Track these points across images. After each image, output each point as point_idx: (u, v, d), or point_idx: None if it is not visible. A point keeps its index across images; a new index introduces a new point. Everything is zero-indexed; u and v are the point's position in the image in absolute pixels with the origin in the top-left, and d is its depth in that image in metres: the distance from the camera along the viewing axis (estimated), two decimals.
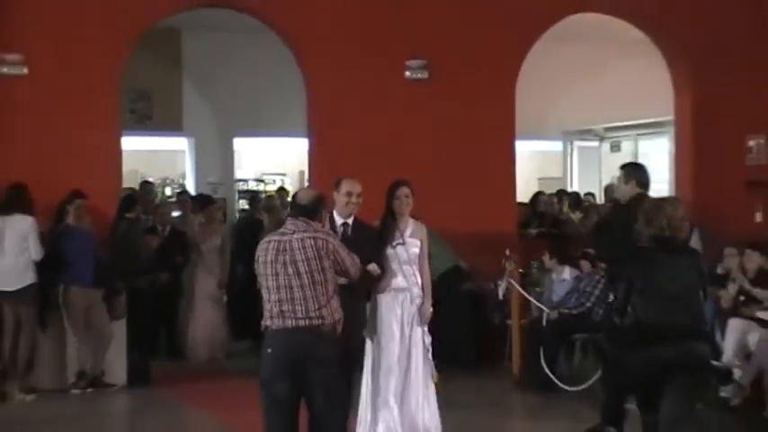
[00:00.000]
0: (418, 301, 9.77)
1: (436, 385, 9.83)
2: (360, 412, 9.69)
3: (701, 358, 7.91)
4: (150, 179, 19.38)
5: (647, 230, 8.09)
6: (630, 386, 8.55)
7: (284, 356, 7.51)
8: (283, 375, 7.49)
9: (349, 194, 9.52)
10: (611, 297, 10.14)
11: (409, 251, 9.78)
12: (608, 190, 18.68)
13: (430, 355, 9.82)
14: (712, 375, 9.56)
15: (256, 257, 7.71)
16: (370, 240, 9.53)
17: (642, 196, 10.38)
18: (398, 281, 9.73)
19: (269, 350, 7.60)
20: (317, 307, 7.49)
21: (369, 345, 9.73)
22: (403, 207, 9.85)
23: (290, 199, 17.13)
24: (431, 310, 9.95)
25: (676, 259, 8.08)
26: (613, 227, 10.62)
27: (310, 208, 7.83)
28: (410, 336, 9.73)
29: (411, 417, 9.69)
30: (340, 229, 9.43)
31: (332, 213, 9.45)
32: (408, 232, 9.83)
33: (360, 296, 9.44)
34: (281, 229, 7.81)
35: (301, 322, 7.47)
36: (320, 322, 7.50)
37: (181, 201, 17.54)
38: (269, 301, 7.59)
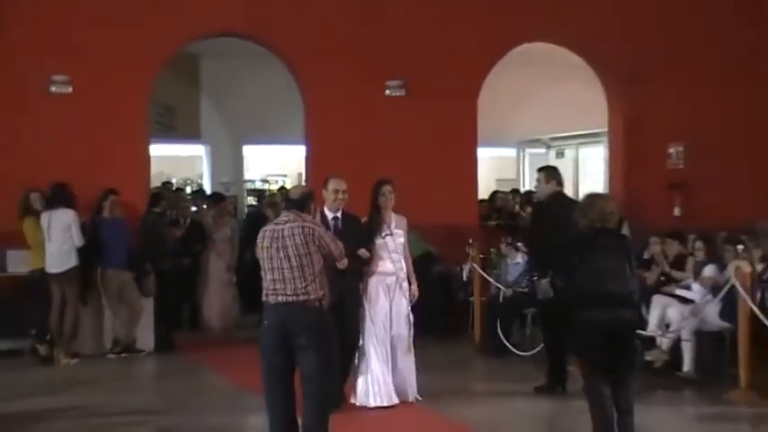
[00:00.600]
0: (405, 284, 9.83)
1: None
2: (356, 382, 9.80)
3: (629, 322, 7.98)
4: (174, 180, 19.32)
5: (583, 221, 8.13)
6: (586, 347, 8.53)
7: (277, 326, 7.42)
8: (277, 343, 7.41)
9: (336, 191, 9.55)
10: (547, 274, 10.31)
11: (396, 241, 9.80)
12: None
13: (412, 330, 9.94)
14: (637, 338, 9.49)
15: (257, 244, 7.64)
16: (358, 230, 9.59)
17: (560, 193, 10.65)
18: (387, 266, 9.77)
19: (265, 322, 7.56)
20: (303, 285, 7.39)
21: (363, 316, 9.81)
22: (387, 202, 9.84)
23: None
24: (417, 291, 10.04)
25: (608, 242, 8.11)
26: (546, 219, 10.68)
27: (300, 201, 7.73)
28: (397, 312, 9.80)
29: (396, 379, 9.82)
30: (332, 222, 9.45)
31: (323, 209, 9.48)
32: (393, 224, 9.84)
33: (353, 278, 9.54)
34: (276, 220, 7.79)
35: (290, 298, 7.39)
36: (306, 297, 7.39)
37: (196, 197, 17.57)
38: (266, 280, 7.53)
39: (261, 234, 7.64)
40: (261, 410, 9.70)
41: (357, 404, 9.76)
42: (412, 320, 9.96)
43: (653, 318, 11.77)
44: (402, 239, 9.90)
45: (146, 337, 13.54)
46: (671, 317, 11.61)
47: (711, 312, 11.26)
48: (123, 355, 13.21)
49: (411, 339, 9.96)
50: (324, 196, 9.59)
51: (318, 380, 7.37)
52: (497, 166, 21.15)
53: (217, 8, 14.59)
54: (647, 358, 11.71)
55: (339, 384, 9.25)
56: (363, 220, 9.94)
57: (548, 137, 20.66)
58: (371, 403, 9.71)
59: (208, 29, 14.78)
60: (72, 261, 12.81)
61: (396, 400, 9.78)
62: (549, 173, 10.85)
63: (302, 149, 15.82)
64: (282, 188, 19.13)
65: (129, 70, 14.16)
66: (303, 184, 16.21)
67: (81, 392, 11.04)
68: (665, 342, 11.61)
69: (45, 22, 13.92)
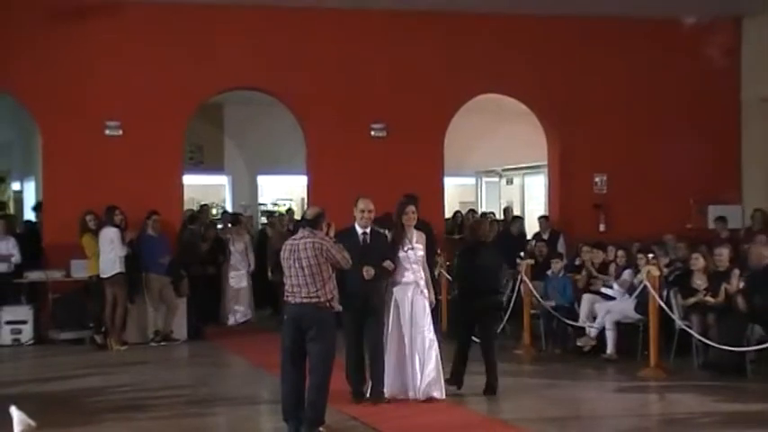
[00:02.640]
0: (424, 290, 9.04)
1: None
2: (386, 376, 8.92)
3: (496, 304, 9.85)
4: (204, 203, 19.35)
5: (471, 237, 9.84)
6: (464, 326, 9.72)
7: (294, 321, 7.62)
8: (294, 333, 7.61)
9: (363, 210, 8.88)
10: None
11: (416, 254, 9.05)
12: (506, 210, 18.82)
13: (433, 329, 9.06)
14: (501, 313, 11.21)
15: (281, 253, 7.82)
16: (385, 244, 8.96)
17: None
18: (408, 276, 9.00)
19: (285, 317, 7.74)
20: (315, 290, 7.55)
21: (388, 324, 8.96)
22: (410, 220, 9.10)
23: (297, 216, 17.27)
24: (433, 297, 9.34)
25: (485, 251, 9.58)
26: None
27: (314, 220, 7.83)
28: (418, 314, 8.95)
29: (422, 376, 8.89)
30: (361, 237, 8.85)
31: (354, 226, 8.92)
32: (414, 239, 9.07)
33: (378, 286, 8.83)
34: (294, 236, 7.89)
35: (305, 300, 7.57)
36: (317, 300, 7.56)
37: (222, 217, 17.63)
38: (287, 284, 7.66)
39: (283, 247, 7.80)
40: (273, 385, 9.83)
41: (387, 395, 8.83)
42: (431, 323, 9.07)
43: (583, 311, 11.82)
44: (421, 253, 9.13)
45: (180, 328, 13.54)
46: (597, 311, 11.65)
47: (628, 307, 11.29)
48: (162, 343, 13.21)
49: (434, 337, 9.01)
50: (354, 214, 8.96)
51: (322, 363, 7.56)
52: (460, 192, 21.16)
53: (238, 68, 14.67)
54: (578, 344, 11.76)
55: (361, 377, 8.85)
56: (387, 233, 9.19)
57: (500, 168, 20.67)
58: (402, 395, 8.86)
59: (231, 83, 14.88)
60: (117, 268, 12.83)
61: (421, 395, 8.84)
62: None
63: (305, 178, 15.88)
64: (289, 210, 19.15)
65: (168, 116, 14.25)
66: (307, 207, 16.30)
67: (130, 372, 11.09)
68: (592, 331, 11.64)
69: (101, 76, 14.03)
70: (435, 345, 8.96)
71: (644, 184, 16.14)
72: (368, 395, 8.86)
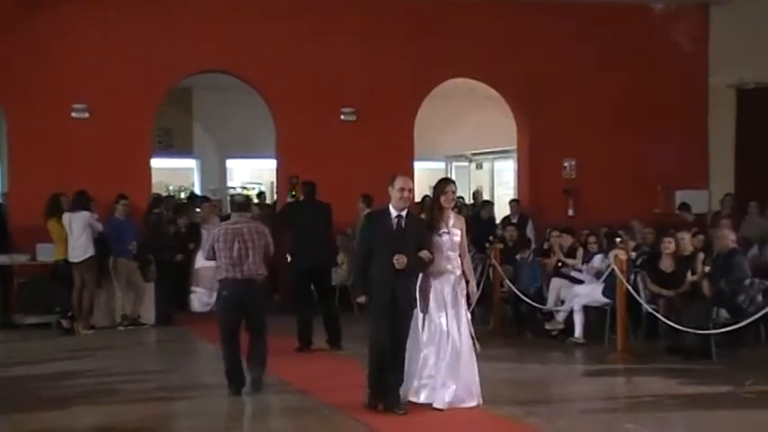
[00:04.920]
0: (462, 283, 7.94)
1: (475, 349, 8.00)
2: (415, 383, 7.92)
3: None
4: (170, 187, 19.25)
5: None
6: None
7: (236, 296, 8.45)
8: (235, 307, 8.48)
9: (402, 190, 7.74)
10: None
11: (453, 239, 7.89)
12: (475, 194, 18.86)
13: (472, 329, 7.96)
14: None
15: (216, 238, 8.54)
16: (423, 230, 7.78)
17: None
18: (444, 265, 7.85)
19: (224, 293, 8.51)
20: (255, 268, 8.47)
21: (419, 319, 7.87)
22: (449, 201, 7.97)
23: (267, 200, 17.17)
24: (476, 290, 8.42)
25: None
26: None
27: (245, 205, 8.98)
28: (454, 314, 7.84)
29: (459, 383, 7.80)
30: (395, 221, 7.70)
31: (388, 207, 7.81)
32: (451, 223, 7.95)
33: (409, 280, 7.69)
34: (231, 220, 8.81)
35: (247, 275, 8.44)
36: (258, 276, 8.51)
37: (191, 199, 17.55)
38: (226, 263, 8.42)
39: (221, 230, 8.60)
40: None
41: (418, 402, 7.85)
42: (470, 320, 8.00)
43: (551, 296, 11.90)
44: (458, 238, 7.94)
45: (149, 313, 13.49)
46: (565, 295, 11.71)
47: (596, 291, 11.34)
48: (130, 327, 13.16)
49: (473, 340, 7.94)
50: (390, 194, 7.84)
51: (262, 329, 8.61)
52: (429, 177, 21.21)
53: (206, 51, 14.59)
54: (547, 327, 11.84)
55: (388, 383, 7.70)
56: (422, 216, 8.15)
57: (469, 153, 20.75)
58: (434, 404, 7.77)
59: (199, 66, 14.78)
60: (89, 252, 12.74)
61: (458, 403, 7.77)
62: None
63: (274, 162, 15.85)
64: (261, 194, 19.11)
65: (137, 100, 14.14)
66: (276, 191, 16.29)
67: (97, 357, 11.01)
68: (560, 315, 11.72)
69: (67, 59, 13.87)
70: (470, 344, 7.93)
71: (612, 169, 16.25)
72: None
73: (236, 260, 8.40)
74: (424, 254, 7.65)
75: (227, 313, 8.51)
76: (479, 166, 20.62)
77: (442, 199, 7.97)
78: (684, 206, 15.70)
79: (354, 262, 7.82)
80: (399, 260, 7.50)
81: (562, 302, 11.74)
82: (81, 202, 12.81)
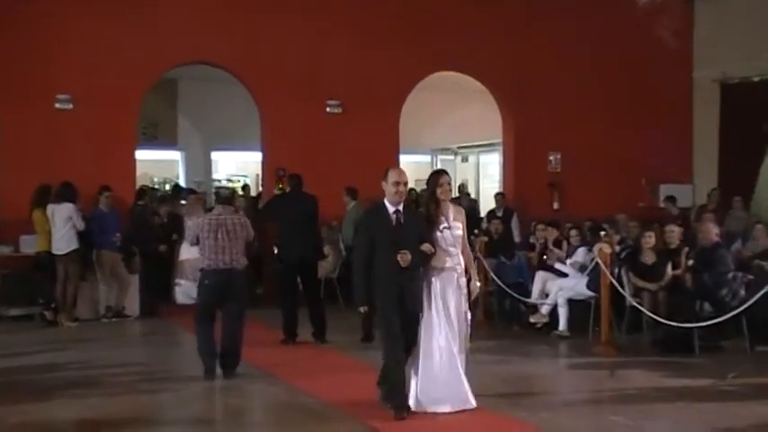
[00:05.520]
0: (462, 279, 7.50)
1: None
2: (417, 385, 7.43)
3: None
4: (155, 179, 19.19)
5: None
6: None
7: (216, 284, 8.84)
8: (215, 295, 8.86)
9: (397, 184, 7.32)
10: None
11: (454, 234, 7.47)
12: (460, 188, 18.87)
13: (469, 329, 7.57)
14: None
15: (201, 227, 8.92)
16: (421, 224, 7.40)
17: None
18: (445, 261, 7.44)
19: (206, 281, 8.88)
20: (236, 258, 8.88)
21: (429, 323, 7.40)
22: (446, 194, 7.53)
23: (252, 193, 17.13)
24: (478, 285, 7.99)
25: None
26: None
27: (229, 199, 9.38)
28: (455, 310, 7.41)
29: (452, 381, 7.42)
30: (393, 216, 7.33)
31: (384, 202, 7.43)
32: (452, 216, 7.52)
33: (414, 275, 7.30)
34: (215, 212, 9.10)
35: (228, 265, 8.83)
36: (236, 265, 8.88)
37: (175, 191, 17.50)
38: (210, 252, 8.81)
39: (206, 221, 8.95)
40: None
41: (420, 410, 7.34)
42: (470, 318, 7.60)
43: (535, 289, 11.92)
44: (460, 232, 7.54)
45: (133, 305, 13.46)
46: (550, 288, 11.75)
47: (580, 285, 11.39)
48: (114, 319, 13.12)
49: (468, 339, 7.55)
50: (384, 188, 7.45)
51: (240, 317, 9.00)
52: (415, 169, 21.20)
53: (192, 42, 14.53)
54: (531, 320, 11.88)
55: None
56: (420, 210, 7.73)
57: (455, 146, 20.76)
58: (437, 409, 7.34)
59: (185, 57, 14.72)
60: (73, 244, 12.70)
61: (457, 405, 7.38)
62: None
63: (259, 155, 15.82)
64: (245, 186, 19.08)
65: (121, 91, 14.05)
66: (261, 184, 16.24)
67: (81, 349, 10.96)
68: (544, 308, 11.74)
69: (51, 49, 13.78)
70: (464, 354, 7.54)
71: (597, 163, 16.33)
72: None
73: (219, 250, 8.79)
74: (426, 247, 7.30)
75: (208, 299, 8.93)
76: (465, 160, 20.63)
77: (438, 192, 7.53)
78: (670, 199, 15.79)
79: (356, 264, 7.33)
80: (404, 258, 7.12)
81: (547, 296, 11.76)
82: (65, 193, 12.74)
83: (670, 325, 10.06)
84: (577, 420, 7.29)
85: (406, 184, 7.38)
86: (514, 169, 16.51)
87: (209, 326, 8.97)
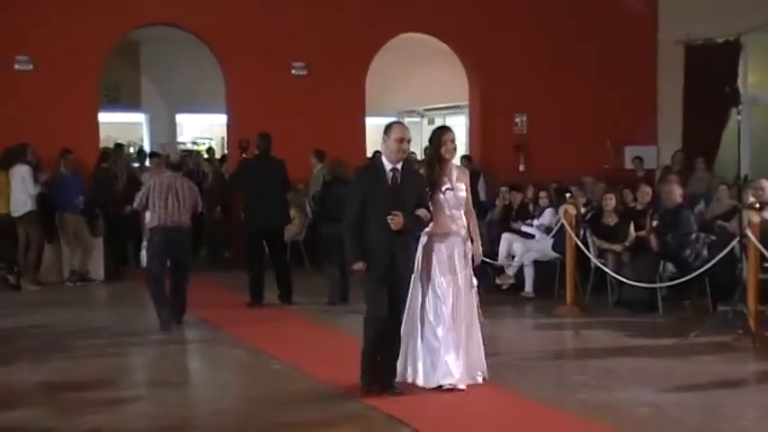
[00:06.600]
0: (468, 244, 6.98)
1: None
2: (417, 360, 6.93)
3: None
4: (121, 141, 18.98)
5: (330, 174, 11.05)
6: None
7: (166, 241, 9.50)
8: (167, 249, 9.57)
9: (400, 140, 6.64)
10: None
11: (457, 195, 6.93)
12: (426, 150, 18.81)
13: (477, 299, 7.10)
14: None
15: (152, 187, 9.58)
16: (421, 185, 6.79)
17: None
18: (448, 225, 6.89)
19: (156, 239, 9.50)
20: (186, 217, 9.62)
21: (418, 287, 6.90)
22: (450, 152, 6.96)
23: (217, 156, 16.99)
24: (481, 251, 7.32)
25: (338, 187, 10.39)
26: None
27: (179, 164, 10.44)
28: (459, 280, 6.90)
29: (464, 356, 6.93)
30: (390, 175, 6.67)
31: (380, 159, 6.82)
32: (455, 177, 6.98)
33: (407, 241, 6.72)
34: (167, 175, 9.80)
35: (176, 224, 9.53)
36: (187, 225, 9.65)
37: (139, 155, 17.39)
38: (161, 212, 9.45)
39: (157, 182, 9.63)
40: (193, 325, 9.83)
41: (420, 384, 6.89)
42: (476, 286, 7.08)
43: (502, 251, 11.92)
44: (463, 194, 6.98)
45: (97, 269, 13.38)
46: (515, 250, 11.80)
47: (546, 246, 11.47)
48: (79, 283, 13.04)
49: (478, 309, 7.09)
50: (385, 145, 6.76)
51: (186, 270, 9.79)
52: (381, 132, 21.13)
53: (155, 3, 14.35)
54: (498, 282, 11.93)
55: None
56: (420, 170, 7.14)
57: (422, 108, 20.73)
58: (437, 383, 6.83)
59: (148, 19, 14.52)
60: (28, 206, 12.55)
61: (466, 380, 6.89)
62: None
63: (224, 117, 15.69)
64: (210, 149, 18.96)
65: (84, 52, 13.85)
66: (226, 146, 16.16)
67: (45, 313, 10.88)
68: (511, 269, 11.80)
69: (10, 9, 13.53)
70: (479, 326, 7.08)
71: (563, 125, 16.37)
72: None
73: (169, 210, 9.48)
74: (422, 212, 6.66)
75: (158, 256, 9.55)
76: (431, 122, 20.58)
77: (443, 150, 6.94)
78: (638, 160, 15.92)
79: (345, 225, 6.69)
80: (395, 220, 6.50)
81: (513, 257, 11.82)
82: (19, 155, 12.62)
83: (634, 285, 10.16)
84: (541, 379, 7.36)
85: (409, 141, 6.74)
86: (481, 131, 16.52)
87: (161, 281, 9.63)
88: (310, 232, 13.97)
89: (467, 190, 7.05)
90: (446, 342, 6.80)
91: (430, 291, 6.87)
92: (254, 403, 6.80)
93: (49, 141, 13.04)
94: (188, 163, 17.09)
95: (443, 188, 6.90)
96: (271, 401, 6.78)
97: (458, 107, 18.76)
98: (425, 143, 19.57)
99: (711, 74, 15.87)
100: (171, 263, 9.74)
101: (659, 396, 6.75)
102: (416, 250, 6.89)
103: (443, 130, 7.16)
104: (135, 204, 9.83)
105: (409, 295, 6.83)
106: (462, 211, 7.00)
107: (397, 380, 6.87)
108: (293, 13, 15.07)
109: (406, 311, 6.84)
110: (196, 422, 6.41)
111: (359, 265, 6.62)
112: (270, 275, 11.08)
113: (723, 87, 13.50)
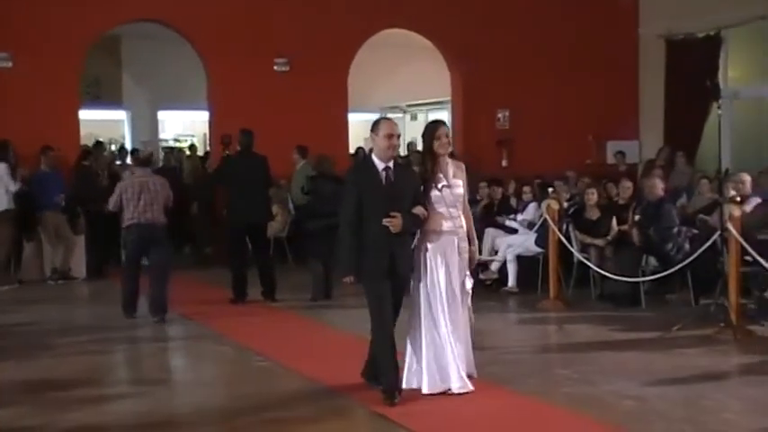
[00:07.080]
0: (464, 244, 6.63)
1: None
2: (407, 359, 6.70)
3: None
4: (101, 139, 18.88)
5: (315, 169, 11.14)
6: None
7: (140, 238, 9.79)
8: (141, 247, 9.88)
9: (390, 136, 6.38)
10: None
11: (454, 192, 6.59)
12: (409, 146, 18.82)
13: (470, 300, 6.76)
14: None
15: (124, 189, 9.86)
16: (415, 182, 6.56)
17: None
18: (445, 224, 6.56)
19: (130, 237, 9.83)
20: (160, 215, 9.86)
21: (415, 287, 6.62)
22: (443, 147, 6.60)
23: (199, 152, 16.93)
24: (477, 253, 7.01)
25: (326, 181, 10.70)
26: None
27: (147, 161, 10.64)
28: (455, 280, 6.59)
29: (464, 357, 6.74)
30: (383, 174, 6.41)
31: (371, 158, 6.52)
32: (451, 173, 6.63)
33: (405, 241, 6.50)
34: (138, 173, 10.10)
35: (151, 221, 9.79)
36: (157, 221, 9.84)
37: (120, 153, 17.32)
38: (135, 211, 9.73)
39: (131, 182, 9.90)
40: (177, 322, 9.80)
41: (426, 392, 6.57)
42: (471, 287, 6.72)
43: (485, 246, 11.92)
44: (461, 190, 6.65)
45: (79, 266, 13.33)
46: (499, 245, 11.82)
47: (529, 241, 11.48)
48: (61, 281, 12.99)
49: (470, 310, 6.79)
50: (374, 143, 6.52)
51: (165, 267, 9.91)
52: (364, 128, 21.08)
53: None
54: (481, 277, 11.91)
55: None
56: (414, 167, 6.96)
57: (404, 104, 20.76)
58: (446, 387, 6.59)
59: (129, 15, 14.46)
60: (4, 204, 12.44)
61: (469, 385, 6.61)
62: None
63: (206, 114, 15.65)
64: (192, 146, 18.90)
65: (64, 48, 13.78)
66: (208, 142, 16.10)
67: (28, 311, 10.84)
68: (494, 264, 11.82)
69: None
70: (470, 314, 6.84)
71: (545, 120, 16.43)
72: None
73: (142, 209, 9.74)
74: (419, 210, 6.45)
75: (134, 252, 9.92)
76: (414, 118, 20.63)
77: (436, 145, 6.60)
78: (620, 155, 16.00)
79: (341, 229, 6.42)
80: (394, 223, 6.28)
81: (496, 252, 11.83)
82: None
83: (617, 279, 10.21)
84: (525, 374, 7.38)
85: (399, 136, 6.49)
86: (463, 127, 16.53)
87: (135, 274, 9.98)
88: (293, 228, 13.95)
89: (463, 187, 6.72)
90: (448, 344, 6.57)
91: (424, 290, 6.59)
92: (238, 400, 6.80)
93: (30, 138, 12.98)
94: (170, 160, 17.09)
95: (439, 185, 6.57)
96: (255, 397, 6.77)
97: (440, 103, 18.78)
98: (408, 139, 19.77)
99: (692, 68, 15.95)
100: (149, 260, 9.99)
101: (643, 389, 6.78)
102: (412, 250, 6.63)
103: (437, 124, 6.80)
104: (110, 206, 10.01)
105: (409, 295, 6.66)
106: (460, 210, 6.64)
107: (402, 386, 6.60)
108: (275, 9, 15.04)
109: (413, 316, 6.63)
110: (181, 419, 6.40)
111: (349, 279, 6.40)
112: (253, 272, 11.06)
113: (704, 82, 13.58)
